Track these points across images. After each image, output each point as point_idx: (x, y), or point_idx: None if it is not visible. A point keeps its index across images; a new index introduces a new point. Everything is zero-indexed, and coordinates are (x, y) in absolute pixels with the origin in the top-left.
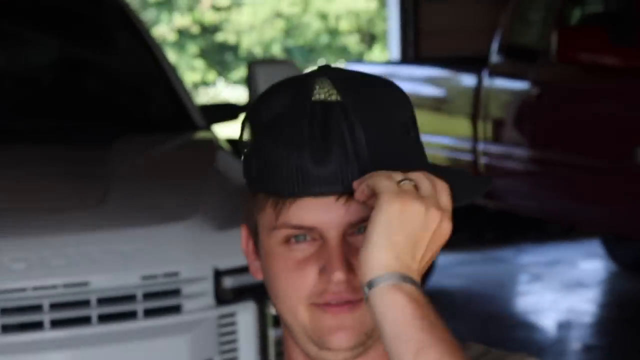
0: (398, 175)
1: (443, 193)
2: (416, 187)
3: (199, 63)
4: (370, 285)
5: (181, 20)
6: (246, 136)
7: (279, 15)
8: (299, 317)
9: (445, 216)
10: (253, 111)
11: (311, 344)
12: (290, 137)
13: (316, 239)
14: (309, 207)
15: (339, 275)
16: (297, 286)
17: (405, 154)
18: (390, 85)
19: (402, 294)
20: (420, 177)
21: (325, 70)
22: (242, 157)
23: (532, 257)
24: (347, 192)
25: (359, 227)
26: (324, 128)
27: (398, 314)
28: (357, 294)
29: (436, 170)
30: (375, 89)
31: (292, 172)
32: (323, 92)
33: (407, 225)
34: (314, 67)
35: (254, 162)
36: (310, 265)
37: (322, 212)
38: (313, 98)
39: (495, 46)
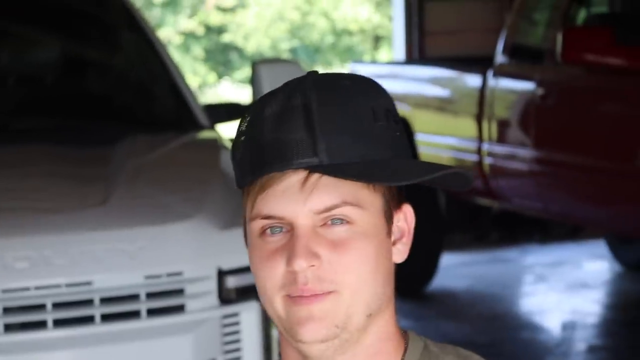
0: None
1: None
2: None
3: (203, 64)
4: None
5: (186, 23)
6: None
7: (283, 17)
8: (275, 308)
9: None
10: (239, 123)
11: (288, 335)
12: (254, 129)
13: (288, 230)
14: (275, 195)
15: (299, 264)
16: (270, 277)
17: (358, 134)
18: (361, 78)
19: None
20: None
21: (303, 77)
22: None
23: (536, 257)
24: (307, 168)
25: (334, 218)
26: (279, 121)
27: None
28: (324, 285)
29: (399, 156)
30: (344, 81)
31: (253, 155)
32: (289, 91)
33: None
34: (321, 68)
35: (234, 161)
36: (279, 255)
37: (286, 200)
38: (268, 111)
39: (500, 46)
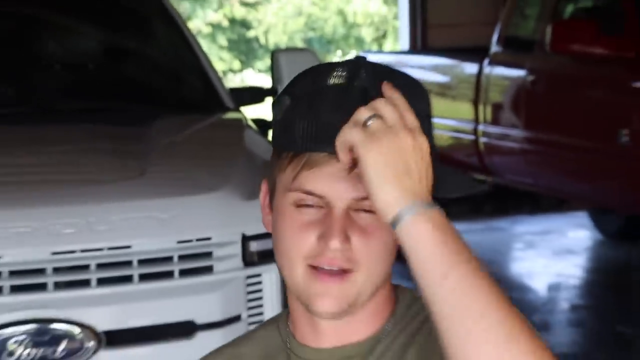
0: (362, 116)
1: (407, 113)
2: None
3: (228, 53)
4: (394, 225)
5: (213, 15)
6: (277, 106)
7: (301, 12)
8: (295, 274)
9: (416, 132)
10: (288, 85)
11: (301, 300)
12: (314, 99)
13: (322, 207)
14: (322, 176)
15: (335, 243)
16: (298, 245)
17: None
18: (412, 80)
19: (423, 224)
20: (382, 106)
21: (359, 60)
22: (272, 123)
23: (525, 227)
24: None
25: (363, 208)
26: (341, 100)
27: (422, 244)
28: (350, 264)
29: (436, 166)
30: (398, 80)
31: (309, 127)
32: (346, 77)
33: (392, 159)
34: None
35: (279, 125)
36: (312, 229)
37: (331, 183)
38: (331, 81)
39: (495, 38)
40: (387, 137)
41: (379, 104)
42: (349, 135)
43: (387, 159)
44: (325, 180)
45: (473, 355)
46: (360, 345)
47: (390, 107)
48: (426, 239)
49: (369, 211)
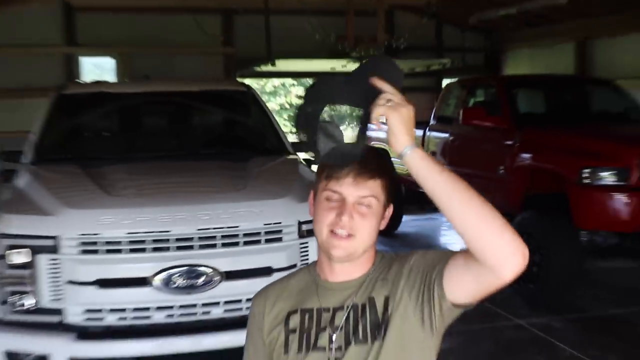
0: (385, 99)
1: (401, 97)
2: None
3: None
4: (402, 155)
5: (281, 100)
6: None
7: None
8: (322, 235)
9: (408, 106)
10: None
11: (324, 249)
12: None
13: (340, 200)
14: (341, 183)
15: (345, 218)
16: (325, 219)
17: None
18: (394, 65)
19: (418, 152)
20: (392, 94)
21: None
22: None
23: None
24: (359, 175)
25: (363, 203)
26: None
27: (420, 161)
28: (352, 232)
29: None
30: (388, 73)
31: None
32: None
33: (403, 120)
34: None
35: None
36: (334, 210)
37: (346, 187)
38: None
39: (432, 116)
40: (399, 108)
41: (389, 94)
42: (381, 109)
43: (400, 121)
44: (342, 184)
45: (478, 233)
46: (357, 279)
47: (395, 94)
48: (421, 158)
49: (365, 205)
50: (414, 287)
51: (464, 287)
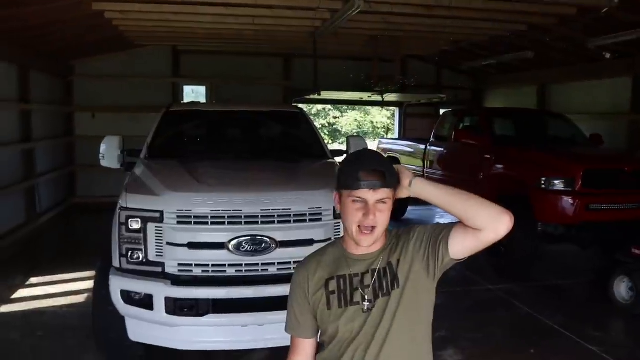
0: (407, 174)
1: (406, 171)
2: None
3: (327, 136)
4: (410, 184)
5: (322, 121)
6: (341, 165)
7: (356, 120)
8: (352, 230)
9: (411, 173)
10: (345, 159)
11: (352, 238)
12: (351, 172)
13: (364, 203)
14: (363, 192)
15: (371, 217)
16: (354, 218)
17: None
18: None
19: (425, 181)
20: (403, 171)
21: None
22: (338, 172)
23: (441, 209)
24: (376, 187)
25: (381, 202)
26: (365, 168)
27: (425, 184)
28: (375, 224)
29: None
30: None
31: (353, 181)
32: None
33: (405, 172)
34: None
35: (341, 173)
36: (360, 211)
37: (367, 194)
38: (362, 162)
39: (432, 135)
40: (409, 175)
41: (403, 171)
42: (408, 177)
43: (404, 173)
44: (365, 193)
45: (478, 216)
46: (376, 252)
47: (404, 171)
48: (424, 185)
49: (382, 204)
50: (420, 249)
51: (466, 246)
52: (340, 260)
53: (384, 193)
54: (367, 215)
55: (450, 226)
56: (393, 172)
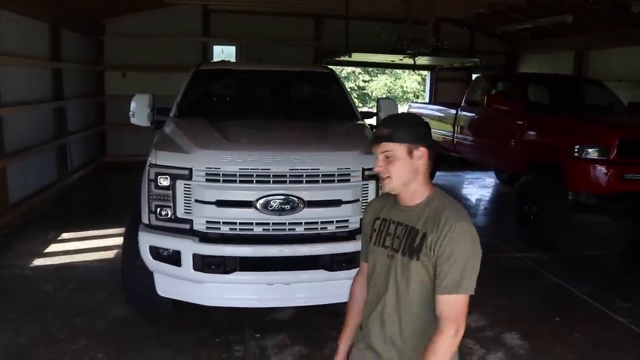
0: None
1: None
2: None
3: (357, 99)
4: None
5: (351, 84)
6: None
7: (386, 85)
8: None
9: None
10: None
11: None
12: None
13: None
14: (374, 146)
15: (378, 167)
16: (376, 168)
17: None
18: (417, 121)
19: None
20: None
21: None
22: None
23: (470, 176)
24: (377, 141)
25: (386, 155)
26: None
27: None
28: (388, 174)
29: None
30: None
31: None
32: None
33: None
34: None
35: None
36: (378, 162)
37: (375, 147)
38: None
39: (463, 99)
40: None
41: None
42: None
43: None
44: (374, 148)
45: None
46: (413, 207)
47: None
48: None
49: (388, 155)
50: (434, 254)
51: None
52: (391, 206)
53: (386, 147)
54: (376, 165)
55: (438, 290)
56: (404, 130)
